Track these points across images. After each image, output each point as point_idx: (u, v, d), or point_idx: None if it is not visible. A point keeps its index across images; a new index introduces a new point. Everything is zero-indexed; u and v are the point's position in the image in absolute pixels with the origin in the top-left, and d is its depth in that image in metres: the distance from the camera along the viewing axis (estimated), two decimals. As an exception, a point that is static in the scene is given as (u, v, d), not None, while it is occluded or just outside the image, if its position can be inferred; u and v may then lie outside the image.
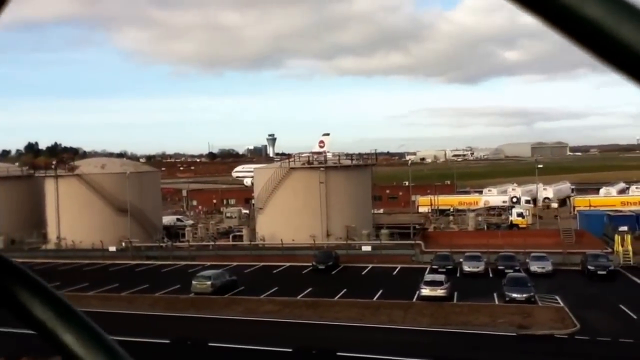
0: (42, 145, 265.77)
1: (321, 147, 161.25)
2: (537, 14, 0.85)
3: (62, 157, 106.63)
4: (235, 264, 62.68)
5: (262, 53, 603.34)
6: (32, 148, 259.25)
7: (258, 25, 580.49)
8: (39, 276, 1.13)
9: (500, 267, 53.20)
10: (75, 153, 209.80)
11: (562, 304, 41.79)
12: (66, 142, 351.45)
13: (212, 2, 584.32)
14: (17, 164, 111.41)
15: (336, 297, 46.31)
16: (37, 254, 73.66)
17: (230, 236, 78.99)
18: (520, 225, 79.60)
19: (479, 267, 54.44)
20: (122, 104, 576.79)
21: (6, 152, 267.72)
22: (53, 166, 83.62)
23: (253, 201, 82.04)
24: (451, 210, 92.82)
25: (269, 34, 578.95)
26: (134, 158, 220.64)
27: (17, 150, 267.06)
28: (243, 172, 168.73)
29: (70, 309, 1.09)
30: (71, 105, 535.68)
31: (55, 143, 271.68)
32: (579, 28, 0.85)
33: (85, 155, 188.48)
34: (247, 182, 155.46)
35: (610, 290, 46.89)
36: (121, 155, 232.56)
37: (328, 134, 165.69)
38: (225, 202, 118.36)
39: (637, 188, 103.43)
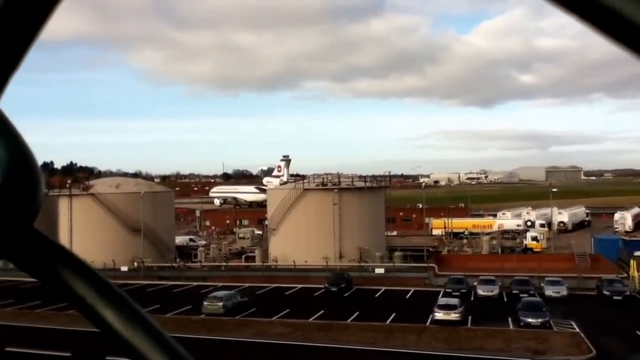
0: (58, 165, 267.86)
1: (279, 171, 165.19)
2: (580, 15, 0.81)
3: (76, 176, 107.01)
4: (247, 285, 62.34)
5: (277, 74, 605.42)
6: (47, 167, 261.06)
7: (273, 47, 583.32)
8: (79, 256, 1.18)
9: (514, 291, 52.73)
10: (90, 172, 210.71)
11: (577, 330, 41.22)
12: (81, 161, 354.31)
13: (227, 23, 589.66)
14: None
15: (348, 320, 45.94)
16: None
17: (243, 257, 78.86)
18: (535, 249, 79.07)
19: (494, 291, 53.94)
20: (137, 123, 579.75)
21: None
22: (67, 185, 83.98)
23: (266, 222, 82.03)
24: (465, 233, 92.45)
25: (284, 55, 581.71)
26: (149, 178, 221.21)
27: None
28: (216, 192, 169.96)
29: (110, 287, 1.14)
30: (87, 124, 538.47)
31: (71, 162, 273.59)
32: (622, 27, 0.79)
33: (100, 174, 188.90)
34: (216, 202, 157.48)
35: (626, 315, 46.22)
36: (136, 175, 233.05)
37: (287, 158, 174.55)
38: (238, 222, 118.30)
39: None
